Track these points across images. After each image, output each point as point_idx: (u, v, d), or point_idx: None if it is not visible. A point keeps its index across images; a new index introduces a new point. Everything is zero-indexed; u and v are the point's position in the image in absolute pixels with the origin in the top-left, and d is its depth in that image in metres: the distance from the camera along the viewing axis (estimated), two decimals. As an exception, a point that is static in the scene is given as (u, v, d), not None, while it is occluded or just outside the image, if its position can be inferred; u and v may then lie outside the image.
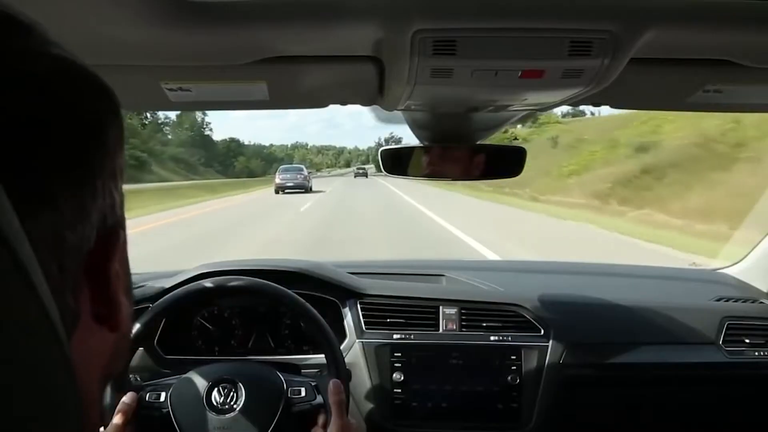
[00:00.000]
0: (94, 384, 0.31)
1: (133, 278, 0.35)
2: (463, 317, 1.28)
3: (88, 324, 0.29)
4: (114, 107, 0.31)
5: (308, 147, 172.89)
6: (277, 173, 25.15)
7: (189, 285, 1.10)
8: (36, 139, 0.25)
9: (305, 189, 22.83)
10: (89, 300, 0.29)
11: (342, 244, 7.49)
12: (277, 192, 22.63)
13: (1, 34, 0.26)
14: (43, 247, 0.24)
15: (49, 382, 0.19)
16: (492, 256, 6.16)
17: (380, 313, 1.29)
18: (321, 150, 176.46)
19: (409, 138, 1.11)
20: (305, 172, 25.09)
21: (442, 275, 1.54)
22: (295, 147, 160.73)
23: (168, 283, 1.25)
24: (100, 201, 0.28)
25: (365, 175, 44.65)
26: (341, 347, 1.22)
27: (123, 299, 0.31)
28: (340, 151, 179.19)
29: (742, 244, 1.91)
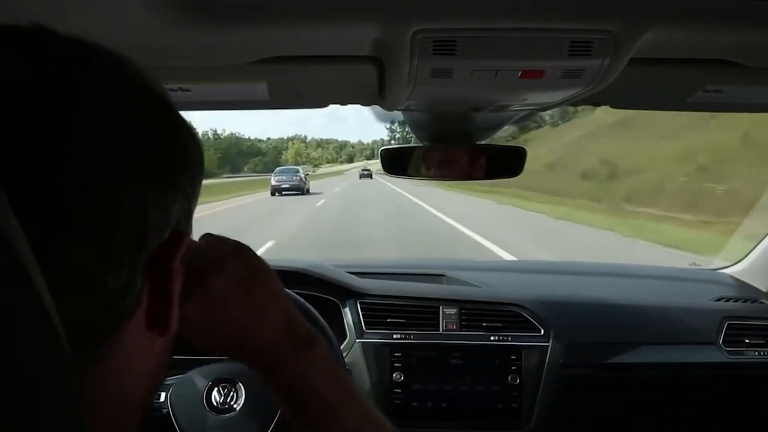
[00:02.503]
0: (138, 389, 0.32)
1: None
2: (463, 317, 1.28)
3: (140, 324, 0.30)
4: (192, 133, 0.35)
5: (307, 140, 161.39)
6: (273, 175, 25.55)
7: None
8: (130, 139, 0.29)
9: (301, 191, 23.04)
10: (148, 295, 0.30)
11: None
12: (273, 194, 22.82)
13: (105, 66, 0.30)
14: (125, 220, 0.27)
15: (47, 383, 0.19)
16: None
17: (380, 313, 1.29)
18: (321, 143, 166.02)
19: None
20: (301, 173, 25.39)
21: (443, 275, 1.53)
22: (291, 139, 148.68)
23: None
24: (180, 201, 0.31)
25: (370, 176, 44.00)
26: (341, 347, 1.22)
27: (176, 303, 0.32)
28: (343, 144, 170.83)
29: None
